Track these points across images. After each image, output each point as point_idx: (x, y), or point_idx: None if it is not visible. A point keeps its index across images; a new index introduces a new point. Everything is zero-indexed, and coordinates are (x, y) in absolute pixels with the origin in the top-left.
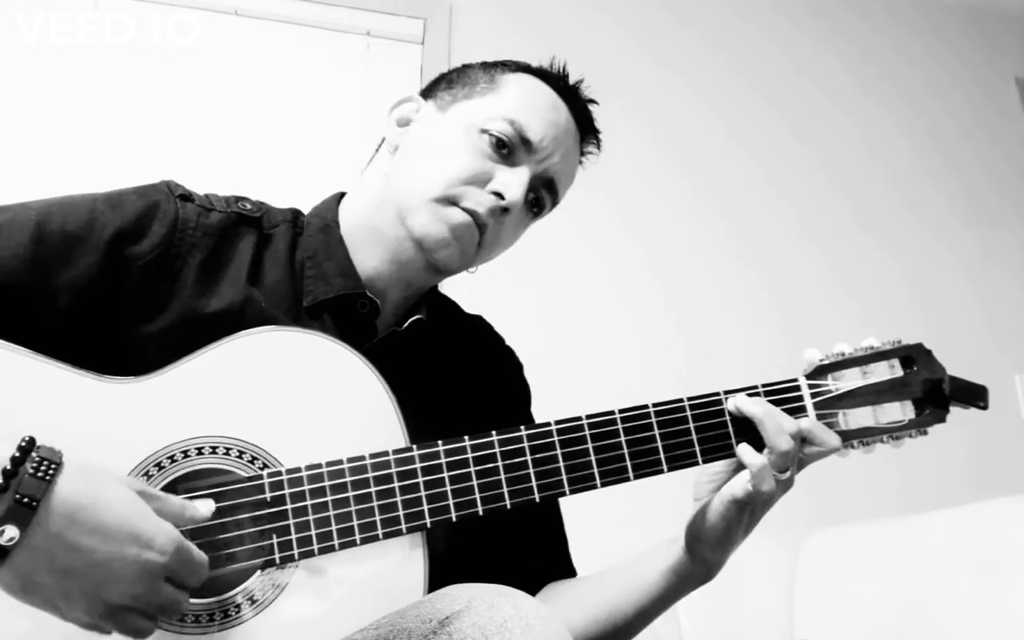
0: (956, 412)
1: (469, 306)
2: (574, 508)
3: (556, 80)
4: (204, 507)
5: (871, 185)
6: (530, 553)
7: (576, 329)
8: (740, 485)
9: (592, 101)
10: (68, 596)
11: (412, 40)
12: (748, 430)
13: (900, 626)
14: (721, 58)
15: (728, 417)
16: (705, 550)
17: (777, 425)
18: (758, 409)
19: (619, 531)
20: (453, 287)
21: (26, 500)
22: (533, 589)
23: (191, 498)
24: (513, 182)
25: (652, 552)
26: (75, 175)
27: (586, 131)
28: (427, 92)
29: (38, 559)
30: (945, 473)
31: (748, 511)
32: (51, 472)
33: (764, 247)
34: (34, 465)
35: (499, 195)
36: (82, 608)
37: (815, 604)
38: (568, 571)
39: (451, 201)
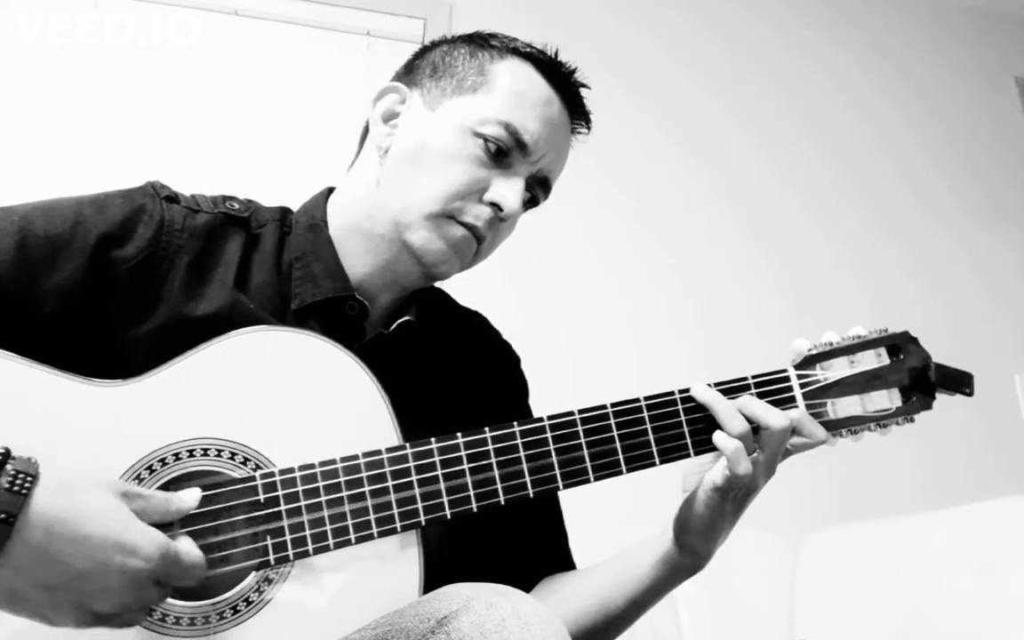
0: (958, 413)
1: (484, 298)
2: (590, 505)
3: (547, 66)
4: (190, 496)
5: (873, 182)
6: (529, 547)
7: (588, 321)
8: (719, 471)
9: (584, 85)
10: (56, 608)
11: (412, 40)
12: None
13: (900, 626)
14: (733, 54)
15: None
16: (692, 540)
17: (727, 409)
18: (709, 396)
19: (636, 528)
20: (465, 279)
21: (2, 516)
22: (531, 583)
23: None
24: (510, 194)
25: (643, 544)
26: (75, 175)
27: (576, 114)
28: (410, 78)
29: (21, 574)
30: (945, 473)
31: (731, 499)
32: (27, 485)
33: (776, 239)
34: (9, 479)
35: (497, 207)
36: (71, 618)
37: (815, 604)
38: (567, 565)
39: (449, 216)
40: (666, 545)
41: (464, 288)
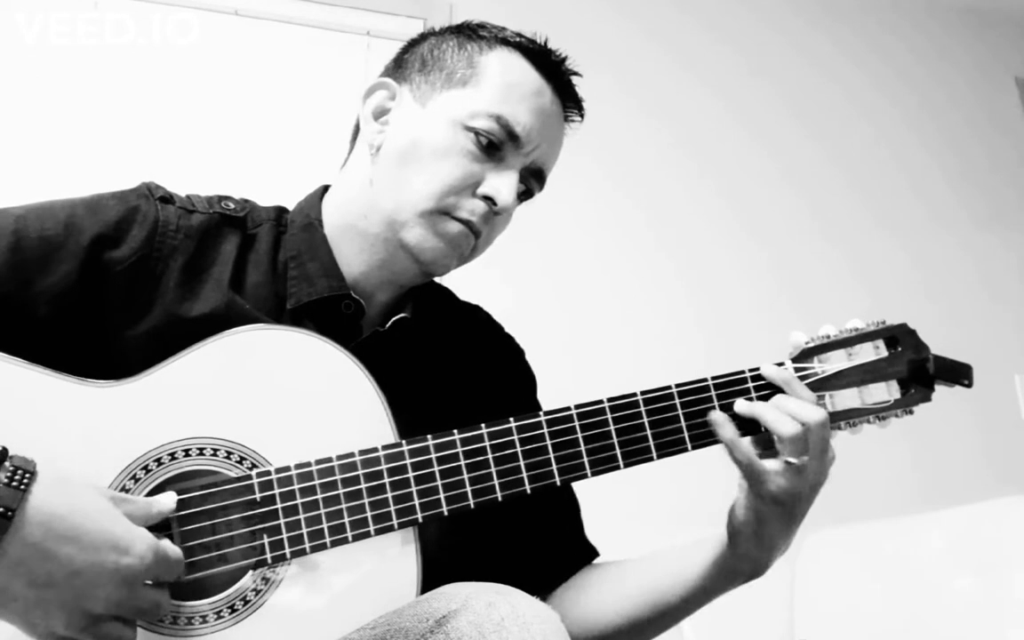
0: (958, 413)
1: (481, 295)
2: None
3: (537, 55)
4: (167, 499)
5: (873, 182)
6: (553, 545)
7: (586, 317)
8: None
9: (575, 73)
10: (46, 608)
11: None
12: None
13: (900, 625)
14: (732, 52)
15: (716, 405)
16: (742, 544)
17: (775, 415)
18: (755, 409)
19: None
20: (462, 276)
21: (0, 510)
22: (559, 579)
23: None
24: (504, 188)
25: (701, 543)
26: (74, 175)
27: (568, 102)
28: (399, 73)
29: (15, 570)
30: (945, 473)
31: (778, 507)
32: (26, 481)
33: (775, 237)
34: (8, 474)
35: (491, 200)
36: (61, 620)
37: (815, 604)
38: (591, 554)
39: (444, 212)
40: (721, 549)
41: (461, 285)
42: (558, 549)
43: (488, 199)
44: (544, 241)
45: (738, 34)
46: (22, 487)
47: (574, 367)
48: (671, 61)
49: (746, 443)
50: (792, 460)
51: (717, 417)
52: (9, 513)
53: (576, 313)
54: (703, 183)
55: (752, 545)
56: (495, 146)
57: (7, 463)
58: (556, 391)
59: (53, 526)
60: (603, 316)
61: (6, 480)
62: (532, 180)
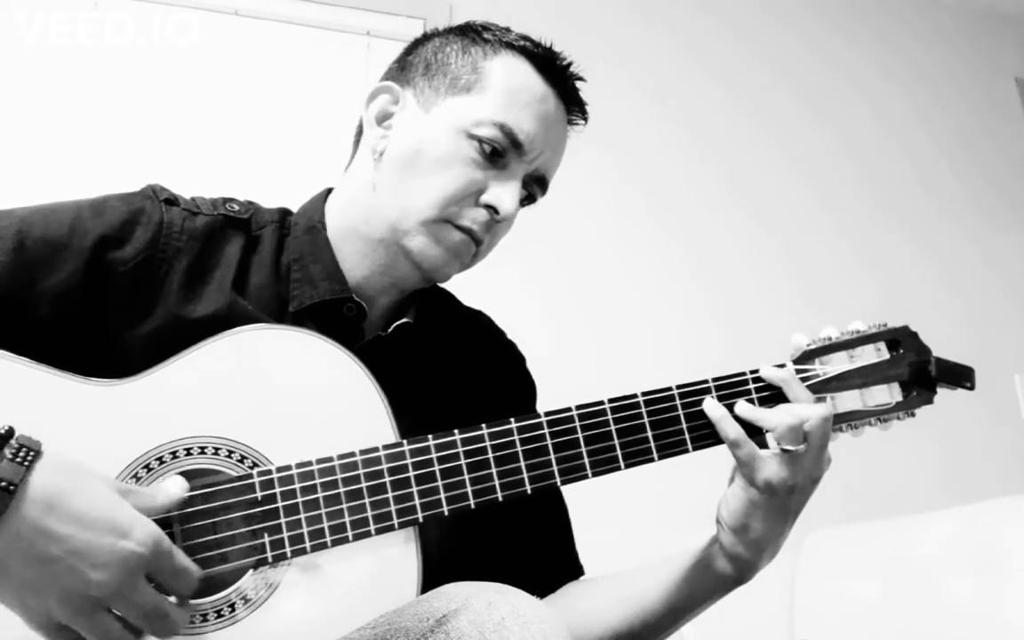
0: (958, 413)
1: (502, 294)
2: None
3: (541, 60)
4: (174, 486)
5: (874, 181)
6: (540, 556)
7: (602, 315)
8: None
9: (580, 78)
10: (41, 588)
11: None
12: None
13: (900, 626)
14: (743, 48)
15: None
16: (729, 538)
17: (779, 414)
18: (757, 414)
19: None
20: (478, 275)
21: (3, 484)
22: (545, 590)
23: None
24: (506, 197)
25: (688, 550)
26: (75, 175)
27: (572, 107)
28: (403, 76)
29: (13, 545)
30: (945, 473)
31: (771, 498)
32: (30, 458)
33: (786, 231)
34: (12, 451)
35: (493, 209)
36: (55, 598)
37: (815, 604)
38: (577, 571)
39: (446, 220)
40: (707, 551)
41: (479, 283)
42: (547, 559)
43: (490, 208)
44: (548, 238)
45: (750, 30)
46: (25, 464)
47: (575, 367)
48: (680, 52)
49: (737, 425)
50: (788, 447)
51: (707, 403)
52: (12, 487)
53: (576, 312)
54: (712, 174)
55: (740, 540)
56: (499, 154)
57: (12, 440)
58: (557, 391)
59: (54, 504)
60: (608, 311)
61: (10, 456)
62: (535, 186)
